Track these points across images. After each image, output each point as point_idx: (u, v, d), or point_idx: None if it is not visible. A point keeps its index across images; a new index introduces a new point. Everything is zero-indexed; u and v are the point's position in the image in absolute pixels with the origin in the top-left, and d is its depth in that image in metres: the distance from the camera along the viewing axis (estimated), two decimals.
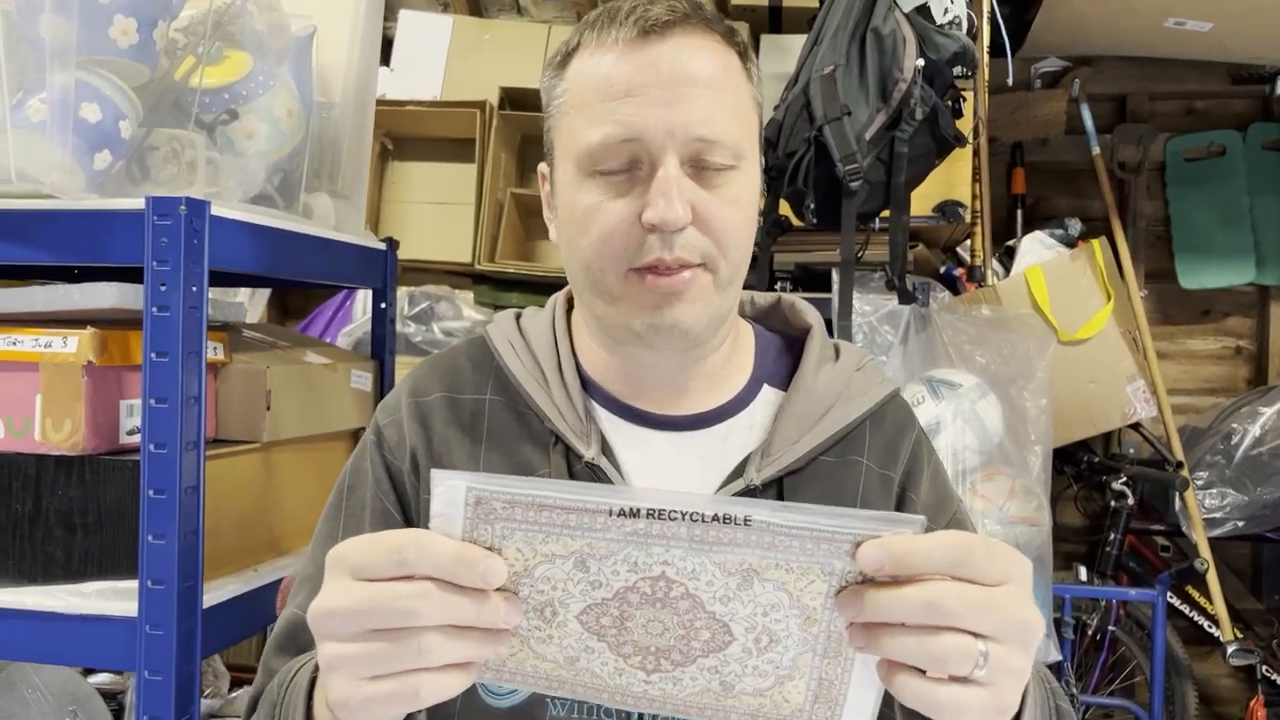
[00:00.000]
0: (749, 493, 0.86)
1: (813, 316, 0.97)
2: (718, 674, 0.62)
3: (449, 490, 0.58)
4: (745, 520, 0.57)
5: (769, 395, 0.92)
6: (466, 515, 0.58)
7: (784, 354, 0.96)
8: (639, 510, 0.57)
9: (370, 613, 0.58)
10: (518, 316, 0.98)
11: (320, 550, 0.93)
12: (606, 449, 0.88)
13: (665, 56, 0.79)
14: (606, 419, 0.90)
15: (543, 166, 0.91)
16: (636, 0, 0.82)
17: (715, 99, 0.80)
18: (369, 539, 0.60)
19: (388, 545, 0.58)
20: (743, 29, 2.55)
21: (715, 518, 0.57)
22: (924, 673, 0.58)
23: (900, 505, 0.91)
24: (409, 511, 0.91)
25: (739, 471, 0.87)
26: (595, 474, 0.87)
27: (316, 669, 0.72)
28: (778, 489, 0.87)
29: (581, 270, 0.84)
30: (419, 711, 0.61)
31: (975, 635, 0.57)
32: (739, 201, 0.82)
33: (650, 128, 0.78)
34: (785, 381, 0.93)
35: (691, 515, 0.57)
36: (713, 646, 0.61)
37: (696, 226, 0.80)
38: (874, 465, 0.90)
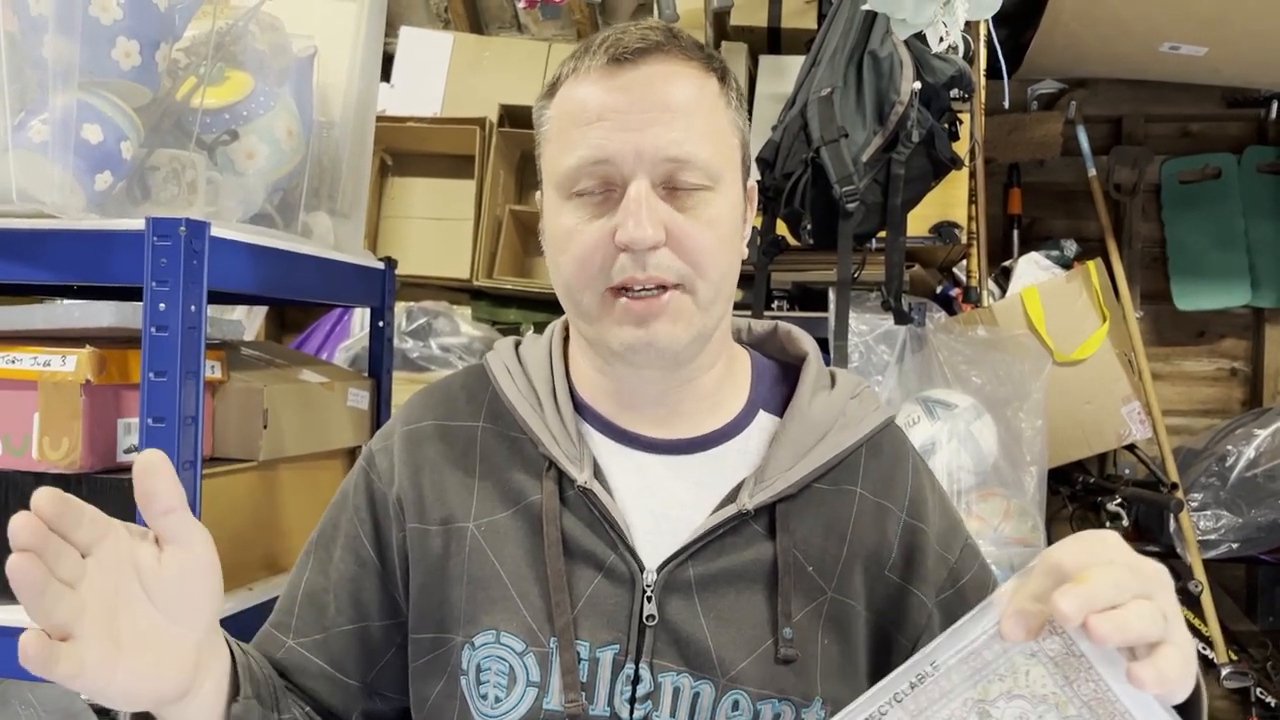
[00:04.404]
0: (741, 517, 0.86)
1: (809, 344, 0.97)
2: None
3: None
4: (912, 684, 0.61)
5: (765, 421, 0.93)
6: None
7: (780, 381, 0.96)
8: None
9: None
10: (517, 345, 0.99)
11: (300, 570, 0.96)
12: (599, 473, 0.88)
13: (636, 82, 0.82)
14: (600, 442, 0.90)
15: (538, 191, 0.92)
16: (614, 31, 0.85)
17: (688, 122, 0.81)
18: None
19: None
20: (741, 50, 2.56)
21: (895, 698, 0.61)
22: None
23: (909, 535, 0.91)
24: (382, 537, 0.93)
25: (732, 496, 0.87)
26: (588, 499, 0.87)
27: None
28: (770, 514, 0.87)
29: (564, 291, 0.86)
30: None
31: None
32: (715, 223, 0.83)
33: (620, 150, 0.80)
34: (781, 408, 0.93)
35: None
36: None
37: (671, 247, 0.81)
38: (868, 494, 0.91)
